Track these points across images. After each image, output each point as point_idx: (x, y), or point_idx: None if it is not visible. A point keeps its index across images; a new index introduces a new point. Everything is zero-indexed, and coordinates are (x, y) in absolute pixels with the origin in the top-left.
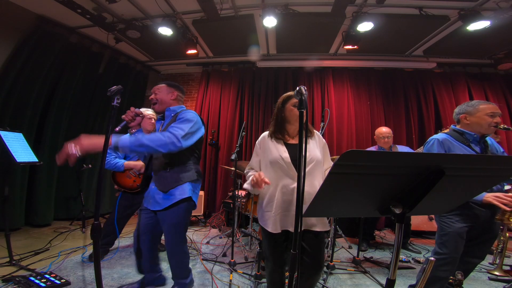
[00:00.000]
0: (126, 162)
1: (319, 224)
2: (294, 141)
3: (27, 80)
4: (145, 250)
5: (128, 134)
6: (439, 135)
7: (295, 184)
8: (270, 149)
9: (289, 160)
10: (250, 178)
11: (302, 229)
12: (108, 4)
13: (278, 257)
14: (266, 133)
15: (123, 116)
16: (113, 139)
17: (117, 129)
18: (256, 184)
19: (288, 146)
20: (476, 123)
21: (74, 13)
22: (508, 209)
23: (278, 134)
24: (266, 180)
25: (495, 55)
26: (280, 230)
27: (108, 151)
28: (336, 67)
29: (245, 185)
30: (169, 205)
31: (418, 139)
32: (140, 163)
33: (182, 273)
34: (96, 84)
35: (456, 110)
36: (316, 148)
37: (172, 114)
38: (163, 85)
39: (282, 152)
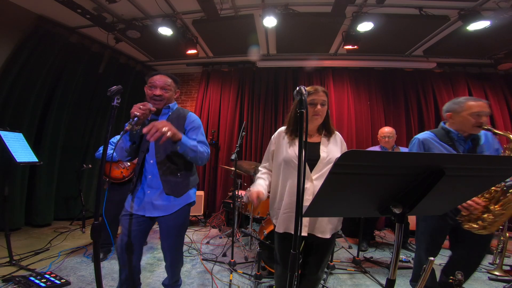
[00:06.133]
0: None
1: (328, 231)
2: (312, 139)
3: (27, 80)
4: (135, 260)
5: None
6: (421, 135)
7: (308, 185)
8: (285, 147)
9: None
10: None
11: (309, 233)
12: (108, 4)
13: (285, 258)
14: (282, 128)
15: (137, 112)
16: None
17: (127, 127)
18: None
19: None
20: (460, 122)
21: (74, 13)
22: (465, 212)
23: (295, 132)
24: (256, 198)
25: (495, 55)
26: (283, 231)
27: (111, 141)
28: (336, 67)
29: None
30: (177, 209)
31: None
32: None
33: (179, 278)
34: (96, 84)
35: (444, 107)
36: (336, 149)
37: (170, 112)
38: (171, 81)
39: (297, 150)
